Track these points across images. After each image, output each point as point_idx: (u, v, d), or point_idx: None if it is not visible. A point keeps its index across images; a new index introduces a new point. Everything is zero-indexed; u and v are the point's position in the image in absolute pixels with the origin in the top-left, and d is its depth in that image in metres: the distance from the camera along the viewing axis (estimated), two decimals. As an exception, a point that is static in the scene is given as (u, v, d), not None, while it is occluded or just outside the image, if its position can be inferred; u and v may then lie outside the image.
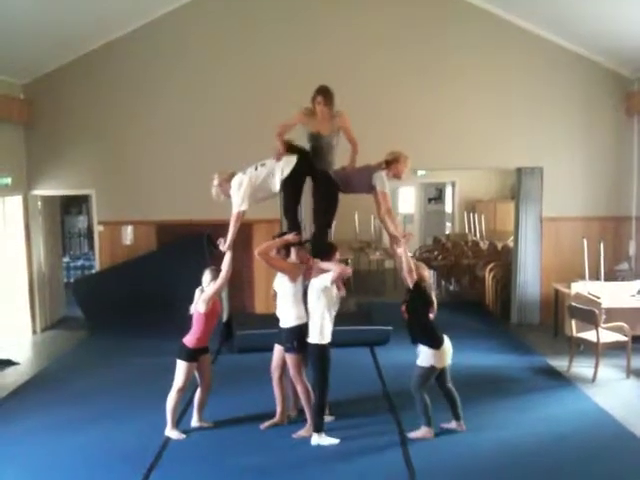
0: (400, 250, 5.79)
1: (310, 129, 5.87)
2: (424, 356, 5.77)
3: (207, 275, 5.96)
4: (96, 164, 9.88)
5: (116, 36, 9.62)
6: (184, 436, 5.95)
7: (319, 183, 5.94)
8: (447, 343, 5.84)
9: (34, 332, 9.88)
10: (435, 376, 5.84)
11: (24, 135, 9.77)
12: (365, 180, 5.87)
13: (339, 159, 6.04)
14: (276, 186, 5.81)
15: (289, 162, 5.78)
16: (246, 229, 9.34)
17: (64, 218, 13.97)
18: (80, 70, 9.72)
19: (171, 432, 5.97)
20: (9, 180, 9.16)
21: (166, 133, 9.79)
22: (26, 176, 9.82)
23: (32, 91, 9.67)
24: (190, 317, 5.97)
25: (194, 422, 6.17)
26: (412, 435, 5.89)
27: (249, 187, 5.72)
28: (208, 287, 5.90)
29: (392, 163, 5.94)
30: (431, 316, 5.82)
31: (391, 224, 5.88)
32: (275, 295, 6.10)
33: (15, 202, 9.60)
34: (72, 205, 14.90)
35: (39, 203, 10.08)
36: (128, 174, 9.89)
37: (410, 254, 5.91)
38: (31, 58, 9.05)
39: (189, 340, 5.92)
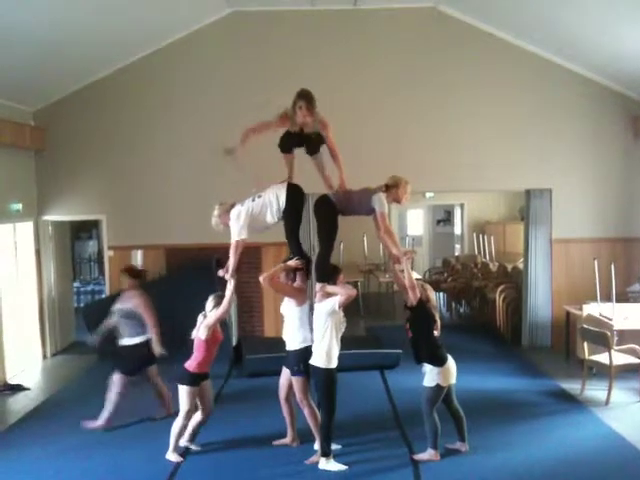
0: (402, 267, 5.81)
1: (293, 128, 5.82)
2: (429, 376, 5.78)
3: (210, 301, 6.00)
4: (106, 189, 9.95)
5: (126, 63, 9.75)
6: (182, 459, 5.96)
7: (318, 207, 5.96)
8: (451, 361, 5.84)
9: (44, 357, 9.89)
10: (443, 396, 5.81)
11: (35, 161, 9.87)
12: (365, 202, 5.85)
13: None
14: (274, 216, 5.86)
15: (281, 190, 5.84)
16: (255, 253, 9.42)
17: (74, 243, 14.02)
18: (90, 96, 9.83)
19: (171, 455, 5.98)
20: (20, 206, 9.23)
21: (175, 159, 9.86)
22: (37, 202, 9.90)
23: (43, 117, 9.78)
24: (192, 342, 6.01)
25: (183, 441, 6.16)
26: (417, 457, 5.86)
27: (247, 217, 5.80)
28: (210, 314, 5.93)
29: (392, 188, 5.89)
30: (436, 333, 5.81)
31: (391, 244, 5.86)
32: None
33: (26, 228, 9.66)
34: (82, 230, 14.97)
35: (50, 228, 10.15)
36: (138, 199, 9.95)
37: (419, 276, 5.91)
38: (42, 85, 9.17)
39: (190, 365, 5.95)
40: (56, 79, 9.25)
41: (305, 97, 5.61)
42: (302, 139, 5.88)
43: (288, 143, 5.96)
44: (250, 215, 5.81)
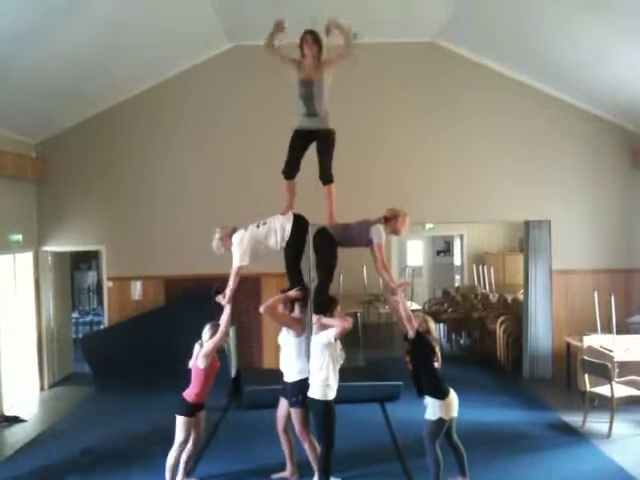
0: (397, 299, 5.81)
1: (300, 76, 5.99)
2: (431, 409, 5.72)
3: (207, 331, 5.98)
4: (106, 220, 9.98)
5: (129, 95, 9.84)
6: None
7: (317, 238, 5.98)
8: (453, 394, 5.79)
9: (42, 388, 9.81)
10: (445, 429, 5.75)
11: (35, 192, 9.91)
12: (363, 234, 5.89)
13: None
14: (277, 244, 5.90)
15: (288, 221, 5.89)
16: (254, 283, 9.41)
17: (74, 274, 14.01)
18: (91, 129, 9.91)
19: None
20: (20, 237, 9.24)
21: (174, 190, 9.92)
22: (37, 232, 9.91)
23: (44, 149, 9.83)
24: (189, 371, 5.96)
25: (179, 478, 6.05)
26: None
27: (249, 244, 5.81)
28: (207, 343, 5.90)
29: (391, 220, 5.93)
30: (436, 365, 5.78)
31: (386, 275, 5.89)
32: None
33: (25, 258, 9.65)
34: (82, 261, 14.96)
35: (49, 259, 10.15)
36: (137, 230, 9.98)
37: (419, 306, 5.89)
38: (43, 118, 9.23)
39: (188, 395, 5.91)
40: (57, 112, 9.33)
41: (310, 31, 5.97)
42: (313, 135, 5.92)
43: (298, 142, 5.96)
44: (254, 241, 5.83)
